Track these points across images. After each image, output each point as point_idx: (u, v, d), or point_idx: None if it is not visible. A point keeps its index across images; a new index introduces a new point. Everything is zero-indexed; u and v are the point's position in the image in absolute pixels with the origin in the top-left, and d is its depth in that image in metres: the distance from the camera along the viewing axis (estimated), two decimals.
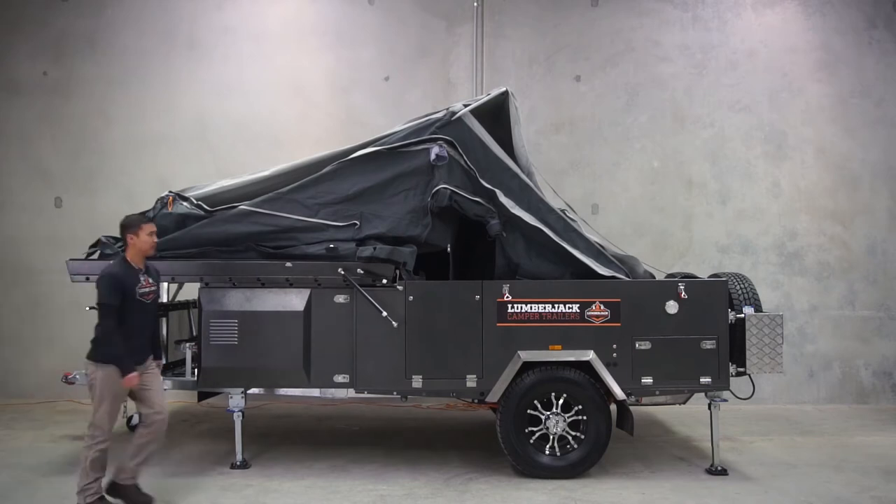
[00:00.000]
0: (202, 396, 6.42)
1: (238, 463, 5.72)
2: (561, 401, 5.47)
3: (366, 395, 5.65)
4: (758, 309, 5.62)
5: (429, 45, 8.99)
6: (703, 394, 5.61)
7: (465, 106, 5.85)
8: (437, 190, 5.52)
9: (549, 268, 5.68)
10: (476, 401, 5.64)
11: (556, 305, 5.51)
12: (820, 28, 8.98)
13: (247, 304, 5.58)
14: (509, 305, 5.51)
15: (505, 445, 5.48)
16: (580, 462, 5.46)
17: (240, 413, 5.66)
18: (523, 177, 5.82)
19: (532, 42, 8.97)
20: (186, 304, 6.87)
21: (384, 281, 5.49)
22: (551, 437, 5.47)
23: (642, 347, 5.49)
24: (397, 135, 5.77)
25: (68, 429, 7.12)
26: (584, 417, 5.45)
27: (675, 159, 8.92)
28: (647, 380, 5.49)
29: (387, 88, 8.96)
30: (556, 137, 8.92)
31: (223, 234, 5.61)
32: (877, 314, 8.81)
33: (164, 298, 6.73)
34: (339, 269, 5.46)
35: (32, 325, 8.72)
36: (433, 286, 5.73)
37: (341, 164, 5.70)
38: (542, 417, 5.46)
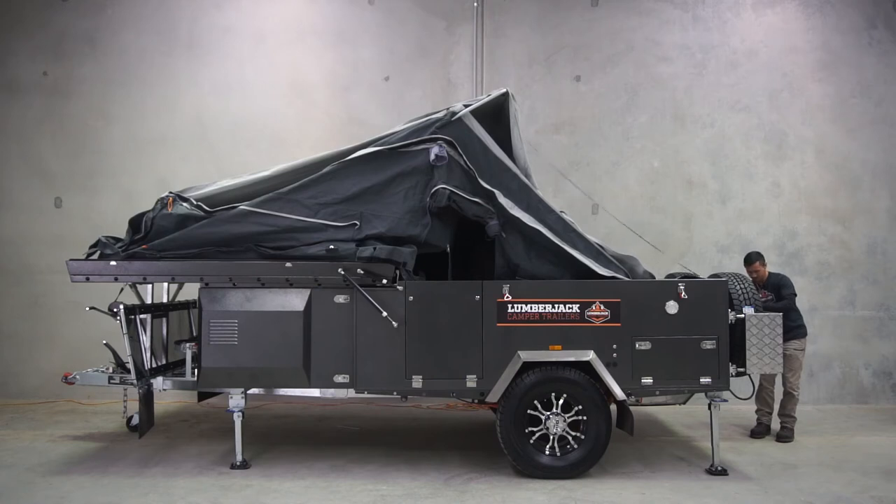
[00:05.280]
0: (202, 396, 6.44)
1: (238, 463, 5.72)
2: (561, 401, 5.47)
3: (366, 395, 5.64)
4: (758, 309, 5.63)
5: (429, 45, 8.99)
6: (703, 394, 5.61)
7: (466, 106, 5.84)
8: (436, 190, 5.53)
9: (548, 268, 5.68)
10: (476, 401, 5.64)
11: (556, 305, 5.50)
12: (820, 28, 8.98)
13: (247, 304, 5.58)
14: (509, 305, 5.51)
15: (505, 445, 5.48)
16: (580, 462, 5.46)
17: (240, 413, 5.66)
18: (523, 177, 5.82)
19: (532, 42, 8.98)
20: (186, 304, 6.87)
21: (384, 281, 5.49)
22: (551, 437, 5.47)
23: (642, 347, 5.48)
24: (397, 135, 5.77)
25: (68, 429, 7.13)
26: (584, 417, 5.45)
27: (675, 159, 8.92)
28: (648, 380, 5.49)
29: (387, 88, 8.96)
30: (556, 137, 8.92)
31: (223, 235, 5.60)
32: (877, 314, 8.81)
33: (164, 298, 6.74)
34: (339, 270, 5.46)
35: (32, 324, 8.73)
36: (433, 286, 5.73)
37: (341, 164, 5.70)
38: (542, 418, 5.46)
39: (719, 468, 5.69)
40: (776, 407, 7.04)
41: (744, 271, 6.94)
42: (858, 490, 5.34)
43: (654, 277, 6.05)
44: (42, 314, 8.73)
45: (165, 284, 6.72)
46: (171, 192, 5.83)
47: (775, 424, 7.02)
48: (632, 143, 8.94)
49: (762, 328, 5.49)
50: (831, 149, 8.92)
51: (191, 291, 6.40)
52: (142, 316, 5.94)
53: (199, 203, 5.72)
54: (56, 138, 8.88)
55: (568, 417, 5.46)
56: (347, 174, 5.68)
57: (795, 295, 6.94)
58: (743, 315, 5.53)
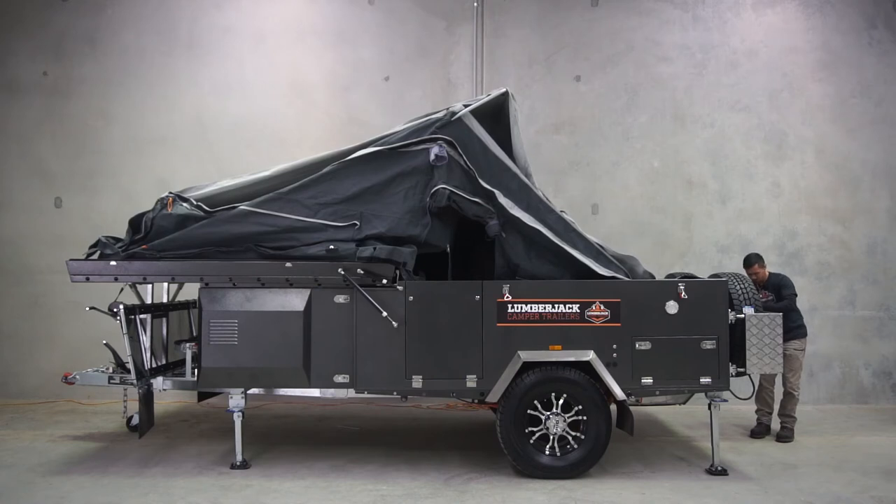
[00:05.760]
0: (202, 396, 6.44)
1: (238, 463, 5.72)
2: (561, 401, 5.47)
3: (366, 395, 5.64)
4: (758, 309, 5.63)
5: (429, 45, 8.99)
6: (703, 394, 5.61)
7: (466, 106, 5.84)
8: (436, 190, 5.53)
9: (548, 269, 5.68)
10: (476, 401, 5.64)
11: (556, 305, 5.50)
12: (820, 28, 8.98)
13: (247, 304, 5.58)
14: (509, 305, 5.51)
15: (505, 445, 5.48)
16: (580, 462, 5.46)
17: (240, 413, 5.66)
18: (523, 177, 5.82)
19: (532, 42, 8.98)
20: (186, 304, 6.87)
21: (384, 281, 5.49)
22: (551, 437, 5.47)
23: (642, 347, 5.48)
24: (397, 135, 5.77)
25: (68, 429, 7.13)
26: (585, 417, 5.44)
27: (675, 159, 8.92)
28: (648, 380, 5.49)
29: (387, 88, 8.96)
30: (556, 137, 8.92)
31: (223, 235, 5.60)
32: (877, 314, 8.81)
33: (164, 298, 6.74)
34: (339, 270, 5.45)
35: (32, 324, 8.72)
36: (433, 286, 5.73)
37: (341, 164, 5.70)
38: (543, 418, 5.46)
39: (719, 468, 5.69)
40: (776, 407, 7.04)
41: (744, 272, 6.94)
42: (858, 490, 5.34)
43: (654, 277, 6.05)
44: (42, 314, 8.73)
45: (165, 284, 6.72)
46: (171, 193, 5.83)
47: (775, 424, 7.02)
48: (632, 143, 8.94)
49: (762, 328, 5.49)
50: (831, 149, 8.92)
51: (191, 291, 6.40)
52: (142, 316, 5.94)
53: (199, 203, 5.72)
54: (56, 138, 8.88)
55: (568, 417, 5.46)
56: (347, 174, 5.68)
57: (796, 295, 6.94)
58: (743, 315, 5.53)
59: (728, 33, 8.98)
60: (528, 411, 5.47)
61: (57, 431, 7.02)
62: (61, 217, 8.81)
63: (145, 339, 5.94)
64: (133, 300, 6.06)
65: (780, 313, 5.61)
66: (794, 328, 6.76)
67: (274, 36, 8.99)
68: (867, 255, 8.85)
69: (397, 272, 5.54)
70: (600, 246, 5.83)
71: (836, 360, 8.78)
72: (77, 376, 6.05)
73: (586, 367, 5.47)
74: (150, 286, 6.39)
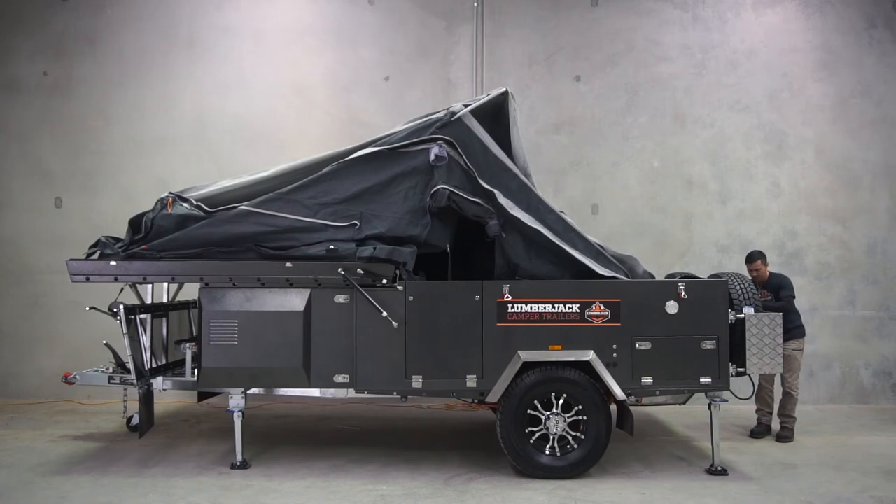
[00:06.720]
0: (202, 396, 6.44)
1: (238, 463, 5.72)
2: (561, 401, 5.47)
3: (366, 395, 5.64)
4: (758, 309, 5.63)
5: (429, 45, 8.99)
6: (703, 394, 5.61)
7: (465, 106, 5.84)
8: (436, 190, 5.53)
9: (548, 269, 5.68)
10: (476, 401, 5.64)
11: (556, 305, 5.50)
12: (820, 28, 8.98)
13: (247, 304, 5.58)
14: (509, 305, 5.51)
15: (505, 445, 5.48)
16: (580, 462, 5.46)
17: (240, 413, 5.66)
18: (522, 177, 5.82)
19: (532, 42, 8.98)
20: (186, 304, 6.87)
21: (384, 281, 5.49)
22: (551, 437, 5.47)
23: (642, 347, 5.48)
24: (397, 135, 5.77)
25: (68, 429, 7.13)
26: (585, 417, 5.44)
27: (675, 159, 8.92)
28: (647, 380, 5.49)
29: (387, 88, 8.96)
30: (556, 137, 8.92)
31: (223, 235, 5.60)
32: (877, 314, 8.81)
33: (164, 298, 6.74)
34: (339, 270, 5.46)
35: (32, 324, 8.72)
36: (433, 286, 5.73)
37: (341, 165, 5.70)
38: (543, 418, 5.46)
39: (719, 468, 5.69)
40: (776, 407, 7.04)
41: (744, 271, 6.93)
42: (858, 490, 5.34)
43: (654, 277, 6.05)
44: (42, 314, 8.73)
45: (165, 284, 6.72)
46: (171, 193, 5.83)
47: (775, 424, 7.02)
48: (632, 143, 8.94)
49: (762, 328, 5.49)
50: (831, 149, 8.92)
51: (191, 291, 6.40)
52: (142, 316, 5.95)
53: (199, 203, 5.72)
54: (56, 138, 8.88)
55: (568, 417, 5.46)
56: (347, 174, 5.68)
57: (794, 297, 6.94)
58: (743, 315, 5.53)
59: (728, 33, 8.98)
60: (528, 411, 5.47)
61: (57, 431, 7.02)
62: (61, 217, 8.81)
63: (145, 339, 5.94)
64: (133, 300, 6.06)
65: (780, 313, 5.61)
66: (792, 329, 6.76)
67: (274, 36, 8.99)
68: (867, 255, 8.85)
69: (397, 272, 5.54)
70: (600, 246, 5.83)
71: (836, 360, 8.78)
72: (77, 376, 6.05)
73: (586, 367, 5.47)
74: (150, 286, 6.39)
